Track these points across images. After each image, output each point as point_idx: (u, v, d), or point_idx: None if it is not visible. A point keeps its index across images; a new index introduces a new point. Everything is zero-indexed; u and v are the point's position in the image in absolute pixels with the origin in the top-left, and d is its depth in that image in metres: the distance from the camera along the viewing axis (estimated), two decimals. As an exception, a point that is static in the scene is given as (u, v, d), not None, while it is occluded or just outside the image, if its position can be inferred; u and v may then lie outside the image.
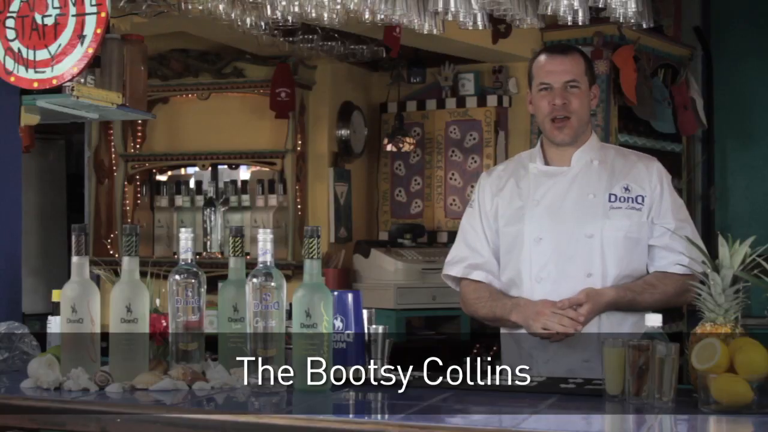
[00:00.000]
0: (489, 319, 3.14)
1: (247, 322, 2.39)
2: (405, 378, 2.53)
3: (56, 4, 2.82)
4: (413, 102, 6.42)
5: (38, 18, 2.83)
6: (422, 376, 2.58)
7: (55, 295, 2.71)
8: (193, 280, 2.51)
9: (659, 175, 3.11)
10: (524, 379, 2.53)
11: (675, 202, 3.11)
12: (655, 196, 3.07)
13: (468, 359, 2.59)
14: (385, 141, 6.28)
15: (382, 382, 2.49)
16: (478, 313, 3.16)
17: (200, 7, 3.50)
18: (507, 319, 3.04)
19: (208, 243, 5.90)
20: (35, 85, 2.83)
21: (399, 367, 2.64)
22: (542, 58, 3.11)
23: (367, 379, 2.50)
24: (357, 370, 2.49)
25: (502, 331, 3.18)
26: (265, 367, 2.33)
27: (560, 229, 3.03)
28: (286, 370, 2.38)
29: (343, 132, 6.18)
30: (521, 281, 3.06)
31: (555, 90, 3.04)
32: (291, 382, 2.37)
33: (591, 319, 2.93)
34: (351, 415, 2.23)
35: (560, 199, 3.07)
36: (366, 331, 2.55)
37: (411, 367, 2.55)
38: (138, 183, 6.31)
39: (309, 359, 2.34)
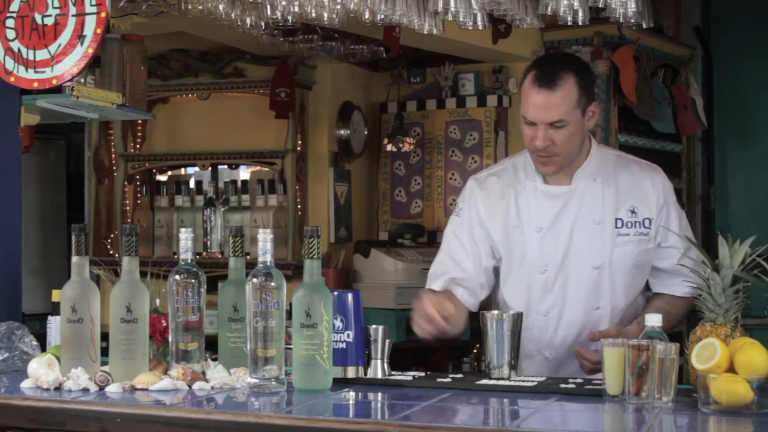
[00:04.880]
0: None
1: (247, 322, 2.39)
2: (405, 378, 2.54)
3: (56, 4, 2.82)
4: (413, 102, 6.42)
5: (38, 18, 2.83)
6: (422, 376, 2.58)
7: (55, 295, 2.71)
8: (193, 280, 2.51)
9: (665, 192, 2.96)
10: (524, 379, 2.53)
11: (681, 220, 2.97)
12: (662, 216, 2.93)
13: (468, 359, 2.58)
14: (385, 141, 6.28)
15: (382, 382, 2.50)
16: None
17: (200, 7, 3.50)
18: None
19: (208, 243, 5.90)
20: (35, 85, 2.83)
21: (399, 367, 2.64)
22: (529, 85, 2.86)
23: (368, 379, 2.50)
24: (357, 370, 2.49)
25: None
26: (265, 367, 2.33)
27: (567, 261, 2.90)
28: (286, 370, 2.38)
29: (343, 132, 6.18)
30: (527, 313, 2.88)
31: (538, 128, 2.83)
32: (291, 382, 2.38)
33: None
34: (351, 415, 2.23)
35: (565, 226, 2.91)
36: (366, 331, 2.55)
37: (411, 367, 2.55)
38: (138, 183, 6.31)
39: (309, 359, 2.34)
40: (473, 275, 2.99)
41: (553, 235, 2.91)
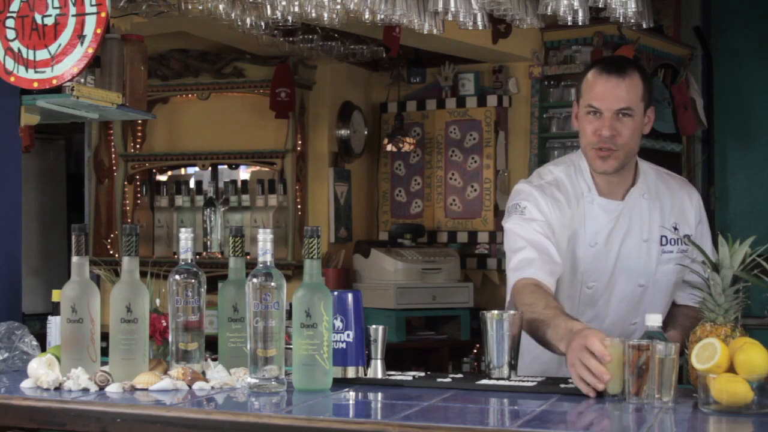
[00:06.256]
0: (532, 331, 2.62)
1: (247, 322, 2.39)
2: (405, 378, 2.54)
3: (56, 4, 2.82)
4: (413, 102, 6.43)
5: (38, 18, 2.83)
6: (422, 376, 2.58)
7: (55, 295, 2.71)
8: (193, 280, 2.50)
9: (700, 209, 2.95)
10: (524, 379, 2.53)
11: (709, 237, 2.94)
12: (698, 232, 2.91)
13: (468, 359, 2.58)
14: (385, 141, 6.29)
15: (382, 382, 2.50)
16: (525, 320, 2.62)
17: (200, 7, 3.50)
18: (554, 345, 2.52)
19: (208, 243, 5.90)
20: (35, 85, 2.83)
21: (399, 367, 2.64)
22: (595, 74, 2.79)
23: (368, 379, 2.50)
24: (357, 370, 2.49)
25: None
26: (265, 367, 2.33)
27: (613, 278, 2.84)
28: (286, 370, 2.38)
29: (343, 132, 6.18)
30: None
31: (604, 118, 2.75)
32: (291, 382, 2.38)
33: None
34: (351, 415, 2.23)
35: (615, 243, 2.84)
36: (366, 331, 2.55)
37: (411, 367, 2.55)
38: (138, 183, 6.32)
39: (309, 359, 2.34)
40: (560, 263, 2.78)
41: (605, 252, 2.85)
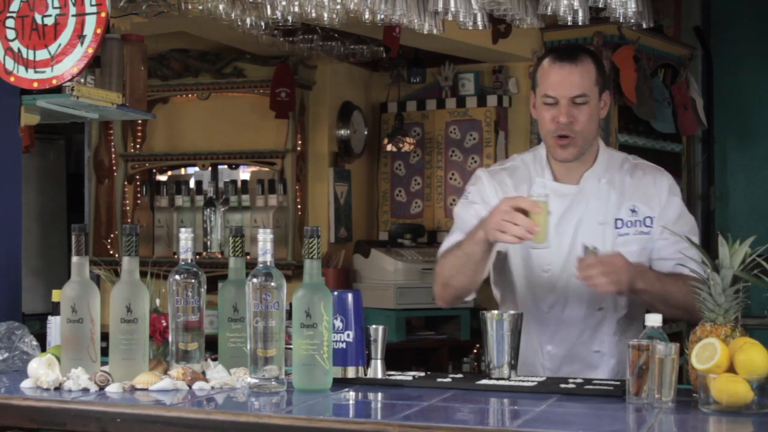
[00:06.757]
0: (459, 266, 2.80)
1: (247, 322, 2.39)
2: (405, 378, 2.54)
3: (56, 4, 2.82)
4: (413, 102, 6.43)
5: (38, 18, 2.83)
6: (422, 376, 2.58)
7: (55, 295, 2.71)
8: (193, 280, 2.51)
9: (669, 191, 2.93)
10: (524, 379, 2.53)
11: (681, 217, 2.92)
12: (664, 213, 2.90)
13: (468, 359, 2.58)
14: (385, 141, 6.28)
15: (382, 382, 2.50)
16: (447, 267, 2.86)
17: (200, 7, 3.50)
18: (473, 241, 2.73)
19: (208, 243, 5.90)
20: (35, 85, 2.83)
21: (399, 367, 2.64)
22: (549, 63, 2.87)
23: (368, 379, 2.50)
24: (357, 370, 2.49)
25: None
26: (265, 367, 2.33)
27: (569, 261, 2.85)
28: (286, 370, 2.38)
29: (343, 132, 6.18)
30: (530, 308, 2.91)
31: (560, 106, 2.82)
32: (291, 382, 2.38)
33: (611, 275, 2.66)
34: (351, 415, 2.23)
35: (570, 226, 2.88)
36: (366, 331, 2.55)
37: (411, 367, 2.55)
38: (138, 183, 6.31)
39: (309, 359, 2.34)
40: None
41: (558, 235, 2.87)
